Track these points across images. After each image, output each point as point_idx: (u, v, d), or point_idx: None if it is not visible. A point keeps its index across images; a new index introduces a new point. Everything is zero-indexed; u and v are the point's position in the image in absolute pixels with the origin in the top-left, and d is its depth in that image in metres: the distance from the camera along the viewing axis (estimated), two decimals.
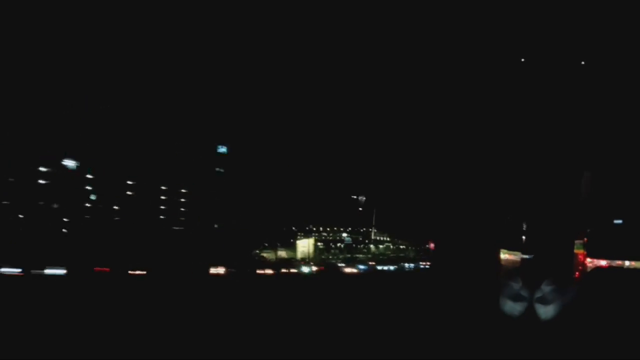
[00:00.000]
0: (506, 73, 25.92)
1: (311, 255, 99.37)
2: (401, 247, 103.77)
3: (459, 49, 25.75)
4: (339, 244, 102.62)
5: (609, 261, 43.56)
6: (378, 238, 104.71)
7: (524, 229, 34.85)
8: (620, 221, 49.14)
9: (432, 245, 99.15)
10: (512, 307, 16.26)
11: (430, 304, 22.69)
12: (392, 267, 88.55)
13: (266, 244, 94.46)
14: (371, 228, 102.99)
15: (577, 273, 34.80)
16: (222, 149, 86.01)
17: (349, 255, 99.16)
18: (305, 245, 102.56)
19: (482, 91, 25.61)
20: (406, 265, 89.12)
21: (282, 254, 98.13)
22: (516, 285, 16.84)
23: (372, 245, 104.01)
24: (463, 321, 17.00)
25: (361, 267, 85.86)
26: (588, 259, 41.70)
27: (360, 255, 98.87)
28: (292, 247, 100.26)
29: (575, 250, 37.08)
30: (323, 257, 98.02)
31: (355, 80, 61.83)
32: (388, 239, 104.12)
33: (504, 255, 30.64)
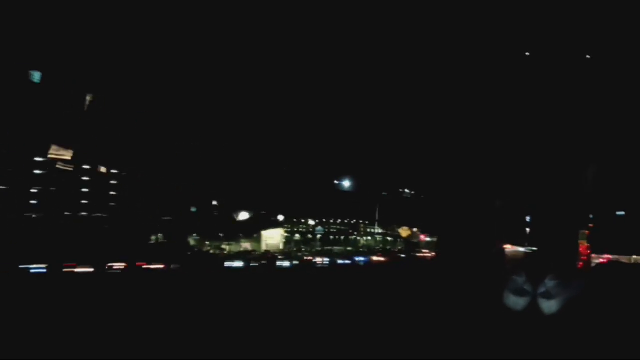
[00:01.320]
0: (510, 66, 27.86)
1: (280, 248, 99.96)
2: (388, 239, 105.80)
3: (462, 41, 27.52)
4: (318, 236, 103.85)
5: (612, 256, 46.42)
6: (369, 230, 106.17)
7: (528, 221, 37.19)
8: (622, 213, 52.37)
9: (422, 238, 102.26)
10: (516, 302, 17.71)
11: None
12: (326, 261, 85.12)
13: (221, 234, 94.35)
14: (363, 220, 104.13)
15: (580, 264, 37.31)
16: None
17: (319, 249, 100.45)
18: (272, 237, 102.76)
19: (486, 83, 27.48)
20: (339, 261, 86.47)
21: (246, 246, 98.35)
22: (520, 279, 18.34)
23: (358, 238, 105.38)
24: (464, 316, 18.35)
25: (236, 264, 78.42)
26: (593, 255, 44.60)
27: (337, 248, 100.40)
28: (257, 238, 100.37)
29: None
30: (296, 249, 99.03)
31: (353, 70, 62.96)
32: (380, 231, 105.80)
33: (508, 249, 32.87)
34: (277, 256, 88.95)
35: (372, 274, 53.30)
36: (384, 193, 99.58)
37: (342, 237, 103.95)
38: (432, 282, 31.07)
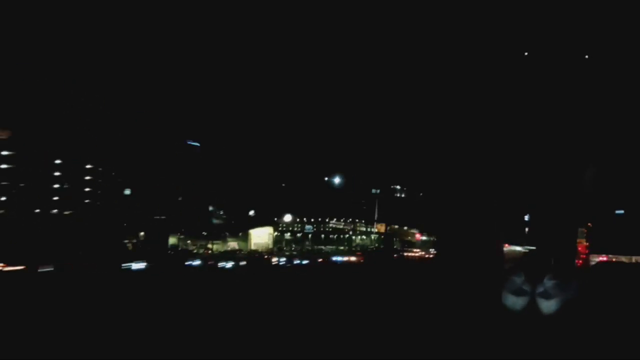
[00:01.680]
0: (508, 63, 28.17)
1: (269, 247, 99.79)
2: (383, 238, 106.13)
3: (461, 37, 27.77)
4: (309, 235, 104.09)
5: (610, 255, 46.92)
6: (367, 229, 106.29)
7: (526, 220, 37.53)
8: (621, 212, 52.95)
9: (417, 237, 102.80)
10: (514, 302, 17.86)
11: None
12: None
13: (204, 233, 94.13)
14: (358, 219, 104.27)
15: (579, 262, 37.70)
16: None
17: (309, 248, 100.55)
18: (260, 236, 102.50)
19: (485, 83, 27.73)
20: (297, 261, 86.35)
21: (233, 245, 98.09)
22: (518, 279, 18.49)
23: (354, 237, 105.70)
24: (463, 317, 18.56)
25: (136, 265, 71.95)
26: (592, 255, 45.00)
27: (329, 247, 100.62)
28: (244, 237, 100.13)
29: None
30: (286, 248, 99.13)
31: (347, 67, 62.93)
32: (375, 230, 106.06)
33: (506, 248, 33.04)
34: (266, 255, 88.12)
35: (334, 274, 50.39)
36: (377, 191, 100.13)
37: (335, 236, 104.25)
38: (413, 283, 31.04)
